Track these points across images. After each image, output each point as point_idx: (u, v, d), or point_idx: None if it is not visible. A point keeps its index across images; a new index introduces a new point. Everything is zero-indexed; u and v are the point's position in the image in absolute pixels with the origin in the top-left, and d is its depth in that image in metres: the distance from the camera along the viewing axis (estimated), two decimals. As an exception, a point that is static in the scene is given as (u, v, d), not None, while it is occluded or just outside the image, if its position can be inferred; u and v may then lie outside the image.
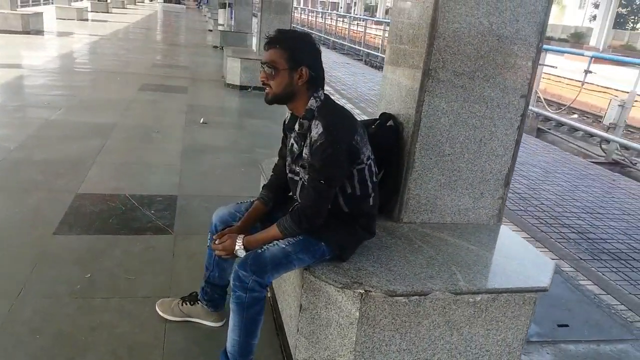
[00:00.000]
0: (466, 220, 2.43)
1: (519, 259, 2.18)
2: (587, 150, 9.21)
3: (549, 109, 10.03)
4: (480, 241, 2.31)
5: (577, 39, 34.14)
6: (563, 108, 10.46)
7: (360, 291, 1.79)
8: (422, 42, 2.14)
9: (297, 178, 1.98)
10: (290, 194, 2.11)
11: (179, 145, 5.01)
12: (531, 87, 2.29)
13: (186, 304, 2.33)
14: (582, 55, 9.54)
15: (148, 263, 2.80)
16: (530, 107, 9.38)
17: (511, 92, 2.27)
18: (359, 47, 21.26)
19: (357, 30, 23.97)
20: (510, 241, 2.39)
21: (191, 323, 2.32)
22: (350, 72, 12.87)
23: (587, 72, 8.72)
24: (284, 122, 2.05)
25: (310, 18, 32.54)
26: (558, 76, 14.20)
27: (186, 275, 2.73)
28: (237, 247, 1.87)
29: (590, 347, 2.52)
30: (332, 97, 1.87)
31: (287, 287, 2.22)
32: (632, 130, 11.67)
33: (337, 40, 24.48)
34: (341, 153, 1.77)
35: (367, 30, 22.03)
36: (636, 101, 10.16)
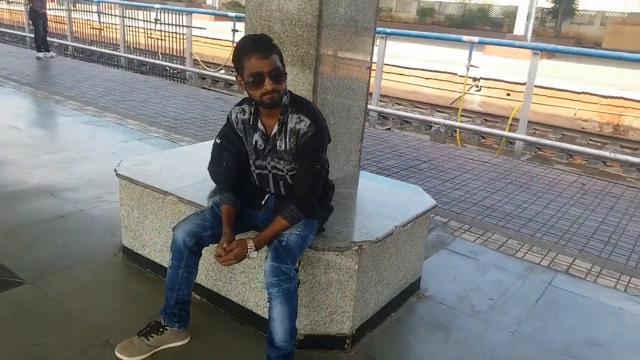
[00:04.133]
0: (343, 175, 2.97)
1: (401, 191, 2.88)
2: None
3: (207, 68, 10.91)
4: (368, 187, 2.91)
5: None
6: (220, 67, 11.33)
7: (356, 248, 2.17)
8: (310, 31, 2.48)
9: (265, 172, 2.11)
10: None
11: None
12: (371, 60, 2.92)
13: (152, 336, 2.16)
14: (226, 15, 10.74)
15: (39, 320, 2.33)
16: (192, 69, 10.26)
17: (362, 66, 2.86)
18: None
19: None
20: (379, 180, 3.08)
21: (160, 351, 2.19)
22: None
23: (234, 31, 9.62)
24: (236, 122, 2.09)
25: None
26: (211, 38, 15.45)
27: (96, 313, 2.41)
28: (249, 251, 1.94)
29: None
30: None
31: (254, 276, 2.33)
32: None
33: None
34: (327, 139, 2.05)
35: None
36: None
